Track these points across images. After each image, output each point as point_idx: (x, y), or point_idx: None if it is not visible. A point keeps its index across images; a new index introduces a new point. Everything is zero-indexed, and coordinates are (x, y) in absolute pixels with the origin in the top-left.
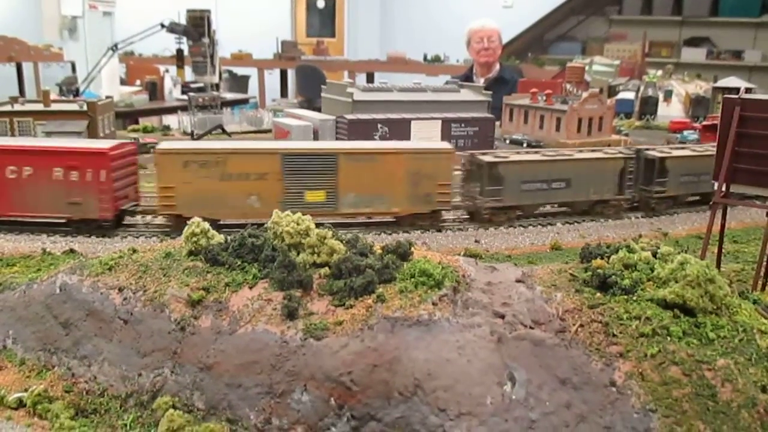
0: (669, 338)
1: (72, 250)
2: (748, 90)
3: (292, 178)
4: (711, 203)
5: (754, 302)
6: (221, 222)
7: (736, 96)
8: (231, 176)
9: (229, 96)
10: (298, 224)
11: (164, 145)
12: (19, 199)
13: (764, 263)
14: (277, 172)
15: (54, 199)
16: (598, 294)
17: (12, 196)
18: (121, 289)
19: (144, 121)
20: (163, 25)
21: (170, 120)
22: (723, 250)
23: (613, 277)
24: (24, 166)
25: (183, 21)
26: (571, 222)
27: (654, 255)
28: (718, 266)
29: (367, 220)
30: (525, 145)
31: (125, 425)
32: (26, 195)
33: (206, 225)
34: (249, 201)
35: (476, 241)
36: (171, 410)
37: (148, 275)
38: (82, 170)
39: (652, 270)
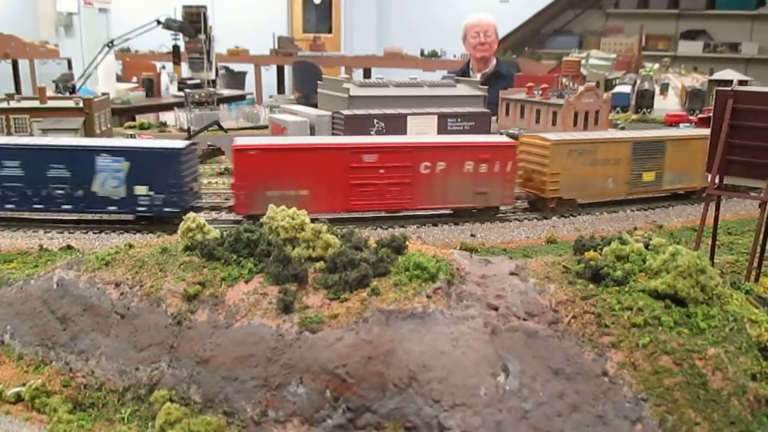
0: (660, 328)
1: (69, 246)
2: (742, 82)
3: (637, 162)
4: (705, 195)
5: (747, 292)
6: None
7: (729, 88)
8: (597, 162)
9: (226, 92)
10: (293, 219)
11: (554, 136)
12: (431, 193)
13: (757, 254)
14: (627, 157)
15: (463, 191)
16: (591, 285)
17: (425, 190)
18: (117, 284)
19: (141, 118)
20: (159, 22)
21: (167, 116)
22: (717, 242)
23: (606, 268)
24: (438, 161)
25: (179, 17)
26: (566, 216)
27: (646, 246)
28: (712, 258)
29: (664, 194)
30: None
31: (123, 419)
32: (437, 188)
33: (202, 220)
34: (606, 183)
35: (472, 235)
36: (168, 403)
37: (145, 270)
38: (492, 162)
39: (644, 261)
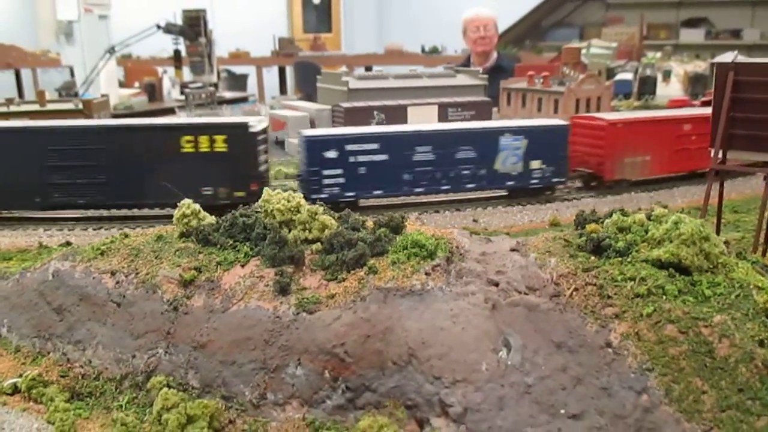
0: (664, 297)
1: (68, 243)
2: None
3: None
4: (708, 170)
5: (753, 263)
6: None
7: (730, 61)
8: None
9: (228, 95)
10: (288, 201)
11: None
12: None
13: (764, 229)
14: None
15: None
16: (593, 258)
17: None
18: (113, 273)
19: None
20: (159, 26)
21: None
22: (723, 220)
23: (607, 240)
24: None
25: (179, 21)
26: (569, 199)
27: (648, 217)
28: (718, 234)
29: None
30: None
31: (121, 406)
32: (694, 155)
33: (197, 206)
34: None
35: (474, 221)
36: (165, 389)
37: (140, 258)
38: None
39: (647, 232)
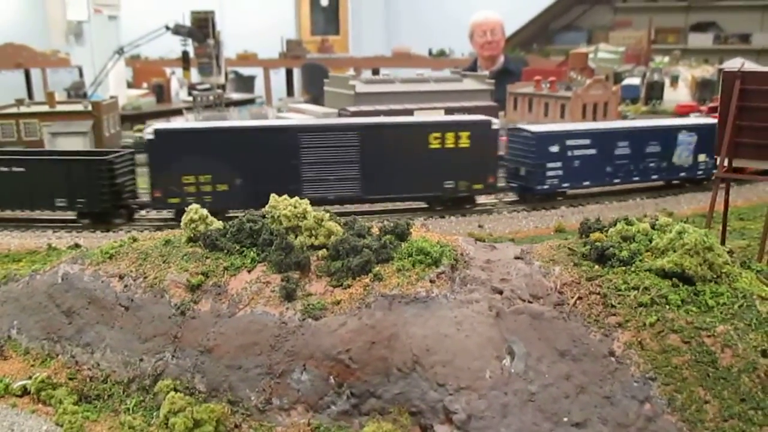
0: (668, 307)
1: (77, 245)
2: None
3: None
4: (713, 178)
5: (758, 272)
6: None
7: (736, 69)
8: None
9: (236, 96)
10: (295, 207)
11: None
12: None
13: None
14: None
15: None
16: (597, 266)
17: None
18: (121, 277)
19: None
20: (167, 27)
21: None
22: (729, 227)
23: (611, 249)
24: None
25: (188, 23)
26: (575, 205)
27: (652, 226)
28: (723, 242)
29: None
30: None
31: (128, 409)
32: None
33: (204, 211)
34: None
35: (480, 226)
36: (172, 393)
37: (148, 262)
38: None
39: (651, 241)
